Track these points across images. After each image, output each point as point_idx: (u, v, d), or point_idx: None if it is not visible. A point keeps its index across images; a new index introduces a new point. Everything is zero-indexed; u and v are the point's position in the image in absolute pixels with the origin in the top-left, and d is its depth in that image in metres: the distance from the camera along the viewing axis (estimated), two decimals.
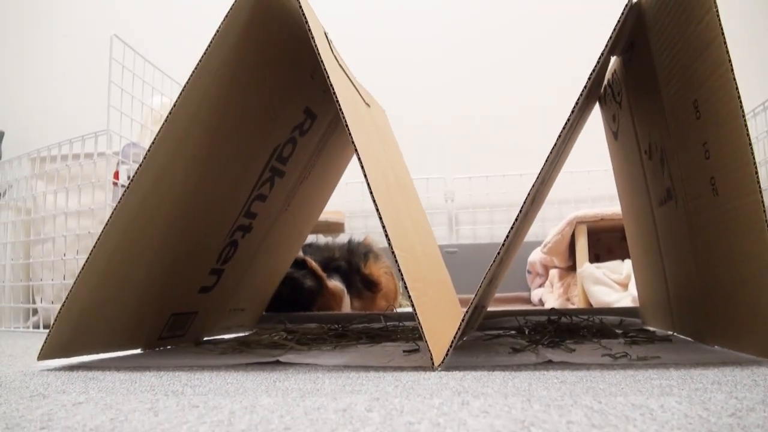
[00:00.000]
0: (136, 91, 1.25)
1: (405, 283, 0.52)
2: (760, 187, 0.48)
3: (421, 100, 2.21)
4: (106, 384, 0.50)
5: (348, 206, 2.10)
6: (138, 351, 0.72)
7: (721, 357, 0.57)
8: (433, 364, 0.53)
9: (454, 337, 0.55)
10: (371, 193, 0.53)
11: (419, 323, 0.52)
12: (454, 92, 2.19)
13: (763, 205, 0.47)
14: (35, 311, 1.33)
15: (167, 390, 0.46)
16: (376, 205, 0.53)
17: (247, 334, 0.90)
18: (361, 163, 0.54)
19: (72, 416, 0.37)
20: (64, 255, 1.21)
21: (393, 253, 0.52)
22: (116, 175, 1.22)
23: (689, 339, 0.71)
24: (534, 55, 2.25)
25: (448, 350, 0.55)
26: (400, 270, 0.52)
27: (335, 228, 1.80)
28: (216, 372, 0.56)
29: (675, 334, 0.75)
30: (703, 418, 0.33)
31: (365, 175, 0.54)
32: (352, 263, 1.21)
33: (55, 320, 0.56)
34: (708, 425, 0.32)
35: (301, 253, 1.13)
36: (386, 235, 0.52)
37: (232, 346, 0.72)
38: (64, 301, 0.56)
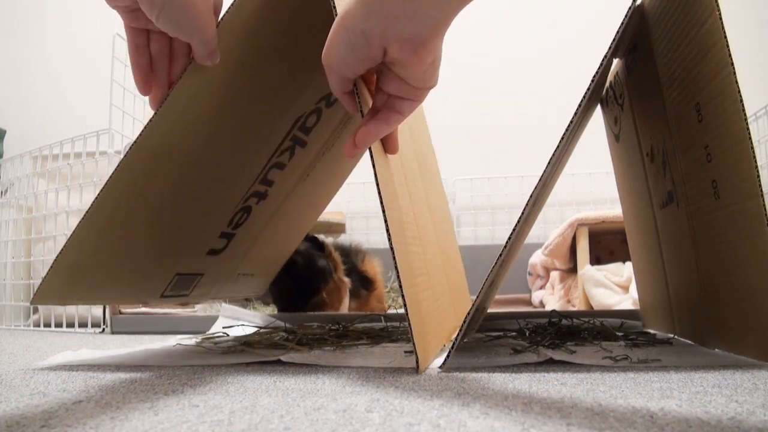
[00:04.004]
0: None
1: (401, 286, 0.50)
2: (761, 190, 0.48)
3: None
4: (107, 383, 0.50)
5: (349, 207, 2.10)
6: (130, 350, 0.72)
7: (721, 360, 0.57)
8: (417, 368, 0.52)
9: (455, 340, 0.55)
10: (376, 178, 0.51)
11: (409, 325, 0.51)
12: (456, 94, 2.19)
13: (765, 209, 0.47)
14: (36, 309, 1.33)
15: (167, 389, 0.46)
16: (380, 194, 0.51)
17: (245, 334, 0.90)
18: (372, 158, 0.53)
19: (72, 415, 0.37)
20: None
21: (391, 246, 0.50)
22: None
23: (690, 342, 0.71)
24: (536, 57, 2.25)
25: (449, 352, 0.54)
26: (396, 265, 0.50)
27: (336, 228, 1.80)
28: (216, 371, 0.56)
29: (676, 336, 0.75)
30: (704, 422, 0.33)
31: (371, 156, 0.53)
32: (349, 262, 1.21)
33: (52, 265, 0.55)
34: (708, 428, 0.32)
35: (329, 238, 1.14)
36: (386, 224, 0.49)
37: (233, 346, 0.72)
38: (63, 247, 0.55)
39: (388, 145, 0.55)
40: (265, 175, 0.71)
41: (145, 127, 0.53)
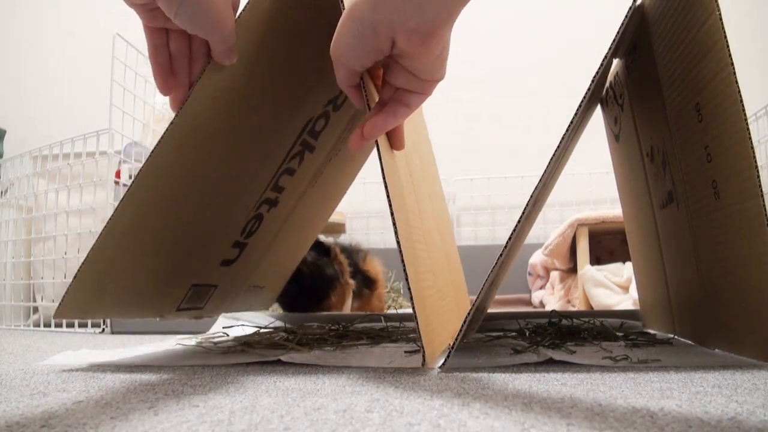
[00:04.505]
0: (138, 90, 1.25)
1: (407, 278, 0.50)
2: (761, 190, 0.48)
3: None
4: (107, 383, 0.50)
5: (349, 207, 2.10)
6: (132, 352, 0.72)
7: (721, 360, 0.57)
8: (423, 363, 0.53)
9: (455, 340, 0.55)
10: (382, 172, 0.51)
11: (416, 321, 0.51)
12: (456, 94, 2.19)
13: (765, 209, 0.47)
14: (36, 309, 1.33)
15: (167, 389, 0.46)
16: (388, 196, 0.51)
17: (245, 334, 0.90)
18: (379, 154, 0.53)
19: (72, 415, 0.37)
20: (65, 253, 1.21)
21: (397, 239, 0.50)
22: (118, 173, 1.22)
23: (690, 342, 0.71)
24: (535, 57, 2.25)
25: (449, 352, 0.54)
26: (402, 259, 0.50)
27: (337, 228, 1.80)
28: (216, 371, 0.56)
29: (676, 337, 0.75)
30: (704, 422, 0.33)
31: (378, 151, 0.53)
32: (352, 261, 1.21)
33: (73, 280, 0.55)
34: (708, 428, 0.32)
35: (329, 238, 1.13)
36: (393, 217, 0.50)
37: (233, 346, 0.72)
38: (83, 261, 0.54)
39: (395, 141, 0.55)
40: (277, 181, 0.70)
41: (165, 132, 0.52)
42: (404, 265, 0.50)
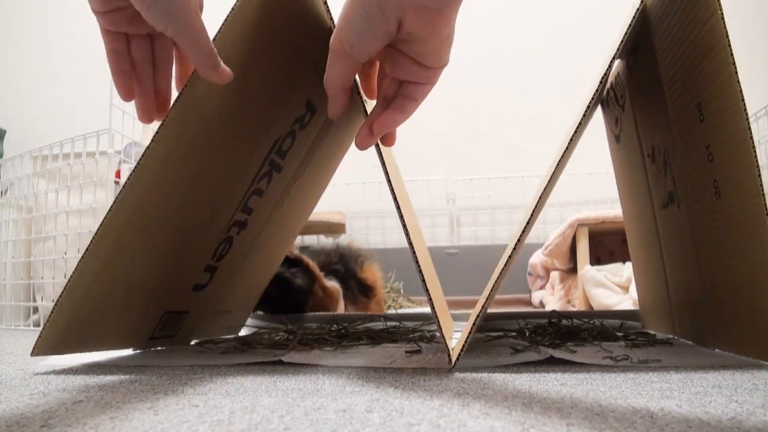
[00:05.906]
0: None
1: (424, 284, 0.52)
2: (762, 190, 0.48)
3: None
4: (107, 383, 0.50)
5: (349, 207, 2.10)
6: (130, 351, 0.72)
7: (721, 360, 0.57)
8: (450, 362, 0.53)
9: (466, 340, 0.54)
10: (389, 184, 0.51)
11: (438, 324, 0.53)
12: (456, 94, 2.19)
13: (766, 209, 0.47)
14: (36, 309, 1.33)
15: (167, 389, 0.46)
16: (397, 203, 0.51)
17: (245, 334, 0.90)
18: (379, 152, 0.53)
19: (72, 415, 0.37)
20: (65, 253, 1.21)
21: (414, 254, 0.51)
22: (118, 174, 1.22)
23: (690, 342, 0.71)
24: (535, 58, 2.25)
25: (461, 352, 0.54)
26: (420, 271, 0.51)
27: (336, 229, 1.80)
28: (216, 371, 0.56)
29: (676, 337, 0.75)
30: (704, 422, 0.33)
31: (378, 149, 0.53)
32: (348, 268, 1.20)
33: (48, 319, 0.55)
34: (708, 428, 0.31)
35: (296, 251, 1.12)
36: (407, 236, 0.51)
37: (233, 346, 0.72)
38: (59, 298, 0.54)
39: (387, 137, 0.54)
40: (246, 202, 0.70)
41: (143, 154, 0.52)
42: (418, 265, 0.51)
